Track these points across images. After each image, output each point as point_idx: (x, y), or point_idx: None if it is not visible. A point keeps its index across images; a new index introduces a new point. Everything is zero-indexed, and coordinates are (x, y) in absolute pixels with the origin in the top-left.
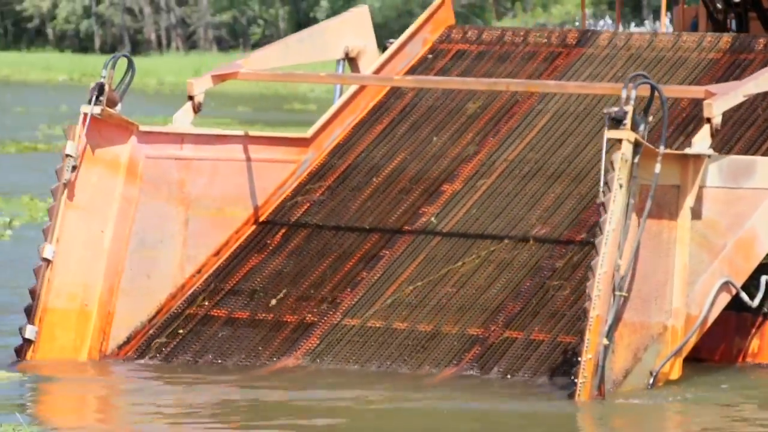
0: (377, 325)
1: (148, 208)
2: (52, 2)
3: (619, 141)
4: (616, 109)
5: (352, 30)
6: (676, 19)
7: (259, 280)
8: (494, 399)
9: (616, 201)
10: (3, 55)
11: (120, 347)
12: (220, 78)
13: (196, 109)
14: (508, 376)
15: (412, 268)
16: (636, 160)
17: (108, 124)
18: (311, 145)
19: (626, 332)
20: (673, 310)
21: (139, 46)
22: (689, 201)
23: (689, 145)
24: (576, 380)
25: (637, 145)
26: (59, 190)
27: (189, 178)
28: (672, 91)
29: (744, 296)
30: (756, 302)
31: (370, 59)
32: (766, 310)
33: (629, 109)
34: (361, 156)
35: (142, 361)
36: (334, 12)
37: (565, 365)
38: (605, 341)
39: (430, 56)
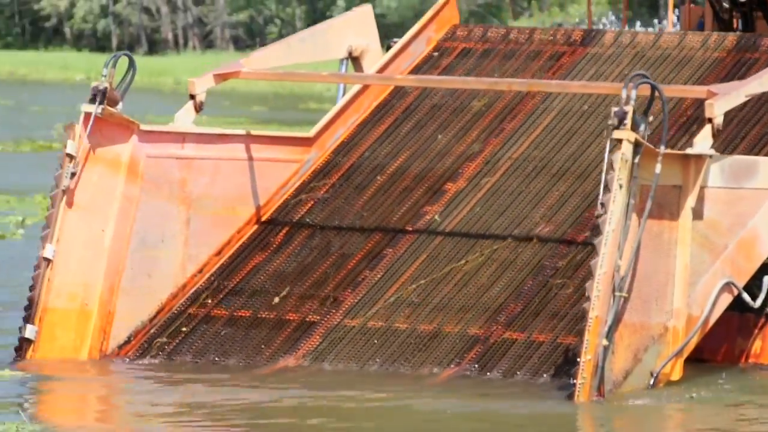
0: (378, 325)
1: (149, 207)
2: (70, 1)
3: (619, 141)
4: (616, 108)
5: (356, 29)
6: (683, 18)
7: (261, 279)
8: (495, 399)
9: (615, 201)
10: (20, 54)
11: (120, 347)
12: (221, 77)
13: (198, 108)
14: (509, 377)
15: (414, 268)
16: (636, 161)
17: (109, 123)
18: (314, 145)
19: (626, 333)
20: (674, 311)
21: (156, 46)
22: (690, 201)
23: (692, 145)
24: (575, 381)
25: (637, 145)
26: (58, 196)
27: (190, 178)
28: (674, 90)
29: (746, 297)
30: (758, 303)
31: (374, 58)
32: None
33: (629, 109)
34: (364, 155)
35: (142, 361)
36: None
37: (565, 366)
38: (605, 342)
39: (434, 55)
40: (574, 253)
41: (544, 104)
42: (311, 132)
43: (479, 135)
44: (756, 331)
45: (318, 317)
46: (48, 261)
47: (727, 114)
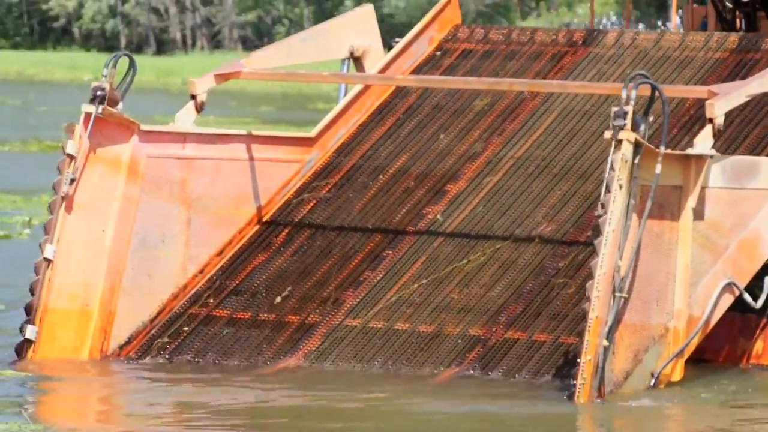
0: (379, 326)
1: (150, 207)
2: (78, 2)
3: (619, 141)
4: (616, 109)
5: (357, 29)
6: (686, 18)
7: (262, 279)
8: (495, 399)
9: (615, 202)
10: (29, 54)
11: (121, 347)
12: (222, 77)
13: (199, 108)
14: (510, 377)
15: (416, 268)
16: (636, 161)
17: (109, 124)
18: (315, 145)
19: (627, 333)
20: (674, 312)
21: (164, 46)
22: (691, 202)
23: (693, 145)
24: (575, 382)
25: (637, 146)
26: (57, 203)
27: (191, 178)
28: (674, 91)
29: (747, 297)
30: (759, 303)
31: (376, 58)
32: None
33: (629, 109)
34: (365, 155)
35: (143, 361)
36: None
37: (566, 366)
38: (605, 342)
39: (437, 54)
40: (576, 252)
41: (545, 105)
42: (312, 132)
43: (481, 135)
44: (758, 332)
45: (319, 318)
46: (48, 261)
47: (728, 114)
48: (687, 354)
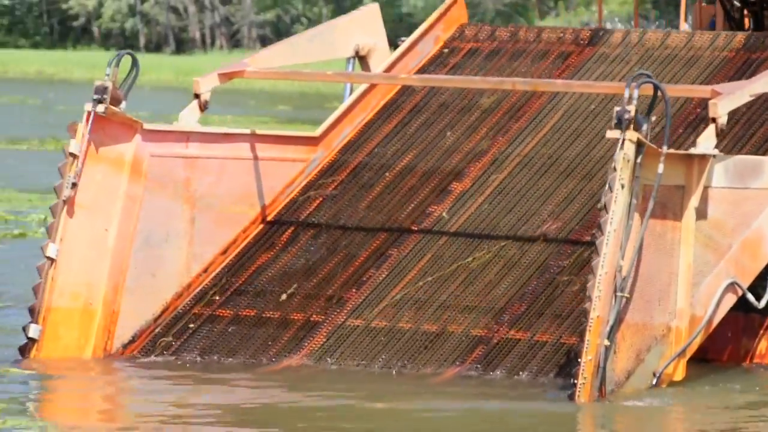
0: (382, 325)
1: (153, 206)
2: (98, 1)
3: (621, 141)
4: (618, 108)
5: (363, 28)
6: (695, 18)
7: (266, 278)
8: (496, 399)
9: (617, 201)
10: (49, 53)
11: (125, 346)
12: (226, 76)
13: (203, 107)
14: (512, 377)
15: (420, 267)
16: (639, 160)
17: (112, 122)
18: (320, 144)
19: (629, 333)
20: (677, 311)
21: (183, 45)
22: (694, 201)
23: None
24: (576, 381)
25: (639, 145)
26: (59, 207)
27: (195, 177)
28: (678, 90)
29: (750, 297)
30: (763, 303)
31: (381, 57)
32: None
33: (632, 108)
34: (371, 154)
35: (147, 360)
36: None
37: (568, 366)
38: (606, 342)
39: (444, 52)
40: (581, 251)
41: (551, 103)
42: (317, 131)
43: (488, 132)
44: (761, 331)
45: (322, 317)
46: (51, 260)
47: (734, 113)
48: (689, 354)
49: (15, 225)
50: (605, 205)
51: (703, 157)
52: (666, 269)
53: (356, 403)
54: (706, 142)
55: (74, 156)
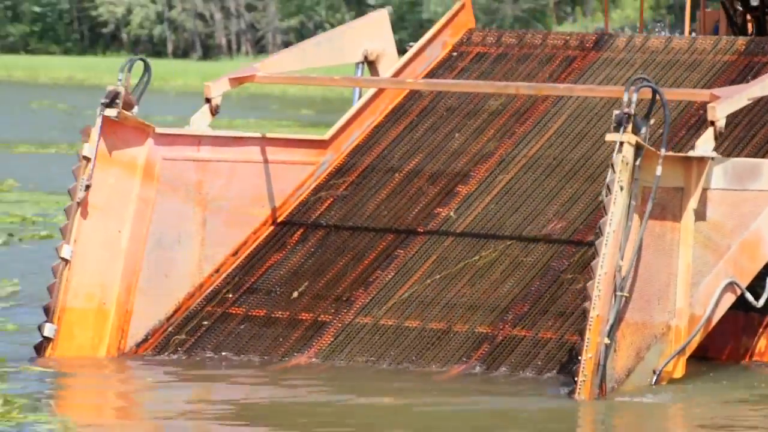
0: (390, 323)
1: (165, 208)
2: (127, 8)
3: (621, 144)
4: (618, 112)
5: (371, 33)
6: (699, 22)
7: (276, 278)
8: (499, 397)
9: (616, 203)
10: (79, 59)
11: (138, 345)
12: (237, 81)
13: (214, 111)
14: (516, 374)
15: (426, 267)
16: (638, 163)
17: (124, 127)
18: (330, 147)
19: (629, 331)
20: (676, 310)
21: (209, 51)
22: (693, 203)
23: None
24: (576, 379)
25: (638, 148)
26: (73, 208)
27: (206, 180)
28: (677, 94)
29: (748, 296)
30: (761, 302)
31: (390, 62)
32: None
33: (630, 111)
34: (379, 156)
35: (160, 358)
36: (398, 17)
37: (571, 364)
38: (606, 340)
39: (453, 55)
40: (584, 250)
41: (556, 107)
42: (327, 135)
43: (494, 134)
44: (760, 330)
45: (330, 316)
46: (66, 261)
47: (735, 116)
48: (688, 352)
49: (43, 226)
50: (604, 207)
51: (702, 160)
52: (665, 269)
53: (363, 401)
54: (705, 144)
55: (87, 159)
